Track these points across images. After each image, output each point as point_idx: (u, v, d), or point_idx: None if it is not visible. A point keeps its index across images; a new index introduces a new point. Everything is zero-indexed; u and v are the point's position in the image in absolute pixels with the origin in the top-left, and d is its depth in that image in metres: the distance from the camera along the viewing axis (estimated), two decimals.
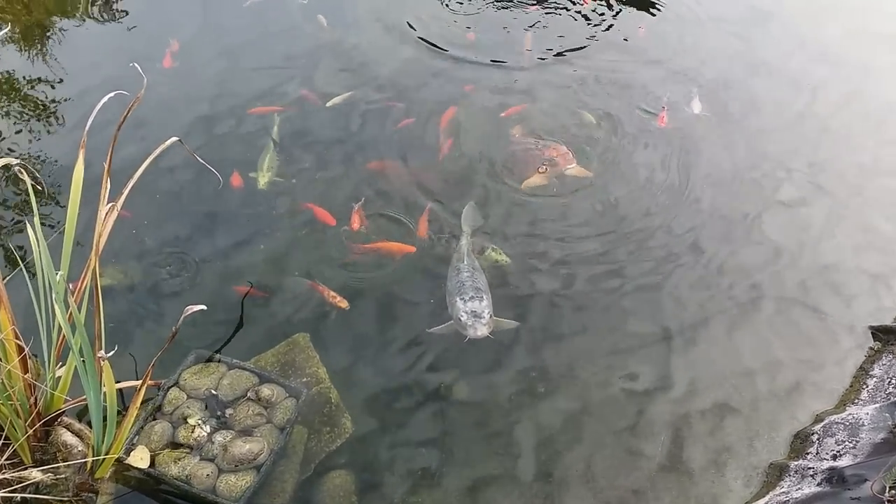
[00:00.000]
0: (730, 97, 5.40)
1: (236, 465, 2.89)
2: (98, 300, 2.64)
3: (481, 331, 3.38)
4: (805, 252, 4.21)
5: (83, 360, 2.63)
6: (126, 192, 2.87)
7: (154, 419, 3.03)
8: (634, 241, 4.18)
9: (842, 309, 3.91)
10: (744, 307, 3.88)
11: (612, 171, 4.67)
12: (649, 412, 3.42)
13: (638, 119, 5.10)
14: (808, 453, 3.13)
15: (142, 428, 2.98)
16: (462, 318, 3.42)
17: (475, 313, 3.41)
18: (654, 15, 6.28)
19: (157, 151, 2.88)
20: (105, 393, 2.67)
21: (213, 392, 3.08)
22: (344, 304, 3.72)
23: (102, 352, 2.53)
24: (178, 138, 2.99)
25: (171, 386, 3.13)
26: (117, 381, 2.71)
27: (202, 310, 2.60)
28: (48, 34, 5.68)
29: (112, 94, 2.67)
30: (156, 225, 4.13)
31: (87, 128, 2.69)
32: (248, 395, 3.13)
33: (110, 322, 3.38)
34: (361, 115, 5.00)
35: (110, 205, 2.74)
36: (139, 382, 2.76)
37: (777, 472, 3.13)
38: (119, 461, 2.86)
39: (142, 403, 2.81)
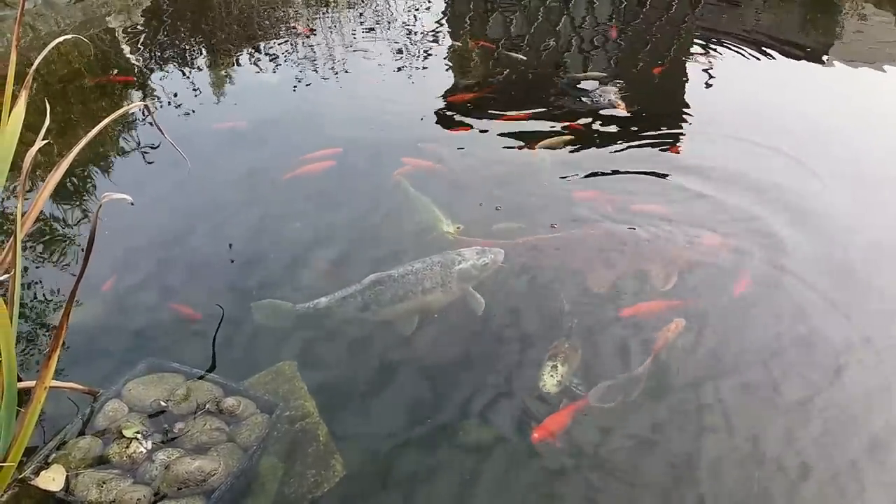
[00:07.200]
0: None
1: (180, 488, 2.15)
2: None
3: None
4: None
5: None
6: None
7: (83, 434, 2.33)
8: None
9: None
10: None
11: None
12: None
13: None
14: None
15: (62, 444, 2.28)
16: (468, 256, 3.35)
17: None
18: None
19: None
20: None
21: (163, 403, 2.40)
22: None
23: None
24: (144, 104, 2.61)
25: (112, 397, 2.46)
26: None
27: (129, 202, 2.01)
28: None
29: None
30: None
31: None
32: (207, 406, 2.43)
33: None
34: None
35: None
36: (34, 383, 2.12)
37: None
38: (24, 482, 2.14)
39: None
